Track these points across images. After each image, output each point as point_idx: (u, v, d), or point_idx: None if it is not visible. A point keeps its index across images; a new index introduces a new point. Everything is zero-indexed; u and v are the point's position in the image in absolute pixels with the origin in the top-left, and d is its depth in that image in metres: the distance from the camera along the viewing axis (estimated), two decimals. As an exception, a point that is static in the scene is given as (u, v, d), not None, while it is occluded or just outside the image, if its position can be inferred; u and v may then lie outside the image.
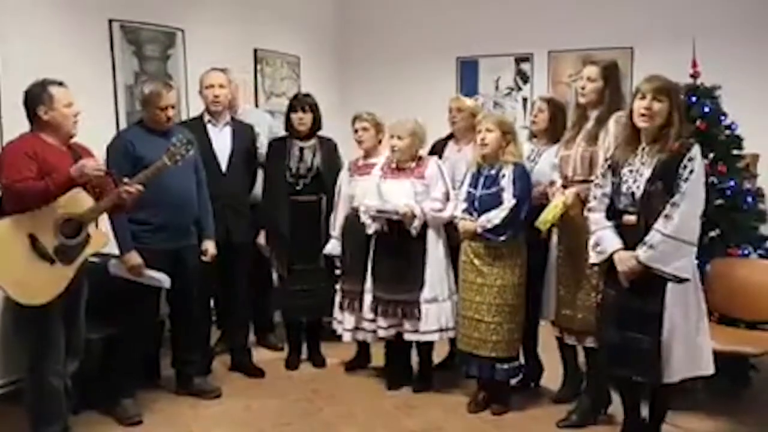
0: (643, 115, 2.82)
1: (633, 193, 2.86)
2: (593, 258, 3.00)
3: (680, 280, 2.79)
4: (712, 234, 3.77)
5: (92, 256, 3.14)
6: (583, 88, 3.33)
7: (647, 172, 2.82)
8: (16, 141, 3.00)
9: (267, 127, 4.49)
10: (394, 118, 3.86)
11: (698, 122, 3.77)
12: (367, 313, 3.87)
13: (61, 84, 3.03)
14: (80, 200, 2.96)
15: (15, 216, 2.90)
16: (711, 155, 3.79)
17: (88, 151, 3.18)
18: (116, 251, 3.41)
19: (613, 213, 2.95)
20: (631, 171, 2.88)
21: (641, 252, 2.79)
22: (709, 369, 2.92)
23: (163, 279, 3.44)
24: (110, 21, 4.32)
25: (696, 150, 2.79)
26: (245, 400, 3.80)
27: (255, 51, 5.60)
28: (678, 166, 2.76)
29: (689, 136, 2.87)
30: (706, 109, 3.84)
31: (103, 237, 3.07)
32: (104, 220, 3.29)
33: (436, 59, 6.25)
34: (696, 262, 3.10)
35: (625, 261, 2.85)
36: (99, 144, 3.42)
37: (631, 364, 2.88)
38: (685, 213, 2.74)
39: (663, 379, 2.83)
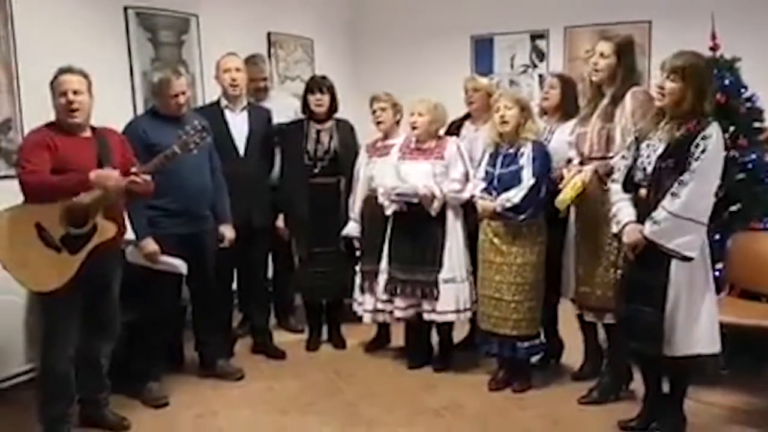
0: (658, 93, 2.83)
1: (645, 168, 2.86)
2: (613, 228, 3.02)
3: (684, 258, 2.78)
4: (733, 208, 3.74)
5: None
6: (595, 65, 3.31)
7: (661, 148, 2.81)
8: (32, 132, 3.00)
9: (293, 113, 4.47)
10: (410, 99, 3.85)
11: (718, 95, 3.71)
12: (381, 294, 3.89)
13: (66, 71, 2.98)
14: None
15: (23, 205, 2.92)
16: (731, 129, 3.74)
17: (115, 134, 3.19)
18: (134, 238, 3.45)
19: (630, 185, 2.94)
20: (648, 146, 2.88)
21: (647, 226, 2.80)
22: (714, 347, 2.89)
23: (180, 265, 3.47)
24: (125, 8, 4.34)
25: (712, 129, 2.75)
26: (268, 382, 3.85)
27: (268, 34, 5.59)
28: (691, 144, 2.74)
29: (709, 114, 2.81)
30: (726, 82, 3.79)
31: (110, 227, 3.02)
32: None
33: (450, 38, 6.20)
34: (717, 237, 3.08)
35: (630, 234, 2.87)
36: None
37: (637, 336, 2.90)
38: (692, 192, 2.72)
39: (665, 352, 2.84)
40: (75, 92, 2.96)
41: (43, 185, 2.87)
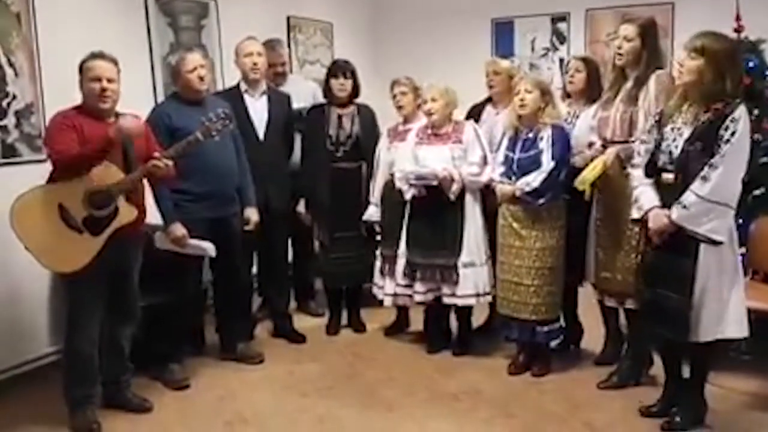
0: (677, 70, 2.81)
1: (671, 152, 2.82)
2: (634, 213, 2.98)
3: (713, 242, 2.74)
4: (757, 192, 3.69)
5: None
6: (619, 48, 3.28)
7: (687, 132, 2.77)
8: (59, 113, 3.03)
9: (311, 96, 4.48)
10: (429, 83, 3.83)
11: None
12: (400, 279, 3.89)
13: (97, 56, 3.01)
14: (111, 173, 2.98)
15: (46, 186, 2.96)
16: (756, 112, 3.68)
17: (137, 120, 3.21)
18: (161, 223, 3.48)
19: (652, 170, 2.91)
20: (672, 129, 2.84)
21: (674, 211, 2.76)
22: (742, 332, 2.86)
23: (208, 247, 3.49)
24: (145, -8, 4.36)
25: (740, 111, 2.70)
26: (288, 365, 3.88)
27: (288, 18, 5.58)
28: (719, 128, 2.69)
29: (735, 96, 2.76)
30: (751, 65, 3.73)
31: (131, 210, 3.05)
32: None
33: (470, 21, 6.16)
34: (740, 221, 3.04)
35: (656, 219, 2.83)
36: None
37: (662, 322, 2.88)
38: (723, 175, 2.68)
39: (692, 338, 2.81)
40: (109, 80, 2.98)
41: (70, 156, 2.89)
